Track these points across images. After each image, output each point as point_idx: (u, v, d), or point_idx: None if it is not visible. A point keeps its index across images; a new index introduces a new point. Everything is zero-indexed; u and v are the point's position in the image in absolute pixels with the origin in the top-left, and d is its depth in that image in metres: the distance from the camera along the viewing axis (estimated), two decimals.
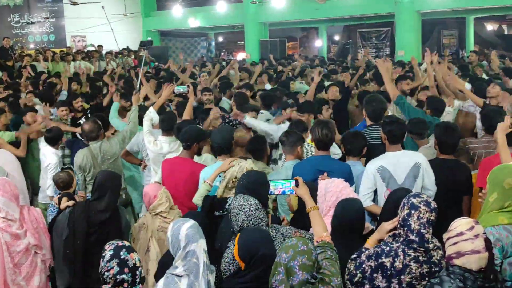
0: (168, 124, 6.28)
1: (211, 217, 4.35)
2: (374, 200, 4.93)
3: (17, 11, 21.85)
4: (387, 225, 3.50)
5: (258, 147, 5.90)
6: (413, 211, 3.30)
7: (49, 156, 6.84)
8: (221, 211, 4.35)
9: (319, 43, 28.61)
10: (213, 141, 5.42)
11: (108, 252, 3.26)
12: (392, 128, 5.01)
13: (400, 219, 3.37)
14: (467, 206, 5.04)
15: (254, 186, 3.98)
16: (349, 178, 4.85)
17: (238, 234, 3.44)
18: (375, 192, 4.95)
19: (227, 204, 4.26)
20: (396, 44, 18.75)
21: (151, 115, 6.55)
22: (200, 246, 3.36)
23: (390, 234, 3.48)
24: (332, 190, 4.12)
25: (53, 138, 6.94)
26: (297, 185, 3.87)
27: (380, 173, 4.90)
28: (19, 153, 6.88)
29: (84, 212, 4.71)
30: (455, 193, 5.01)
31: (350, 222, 3.74)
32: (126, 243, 3.35)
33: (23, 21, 21.87)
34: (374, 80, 10.04)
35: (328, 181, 4.25)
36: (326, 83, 9.95)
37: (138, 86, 10.32)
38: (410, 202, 3.34)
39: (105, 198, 4.71)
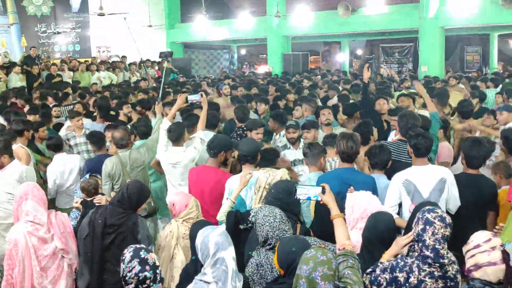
0: (175, 135, 6.24)
1: (237, 231, 4.36)
2: (399, 213, 4.93)
3: (44, 21, 22.18)
4: (403, 240, 3.49)
5: (272, 157, 5.91)
6: (427, 227, 3.28)
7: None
8: (245, 224, 4.35)
9: (342, 57, 28.61)
10: (239, 150, 5.45)
11: (127, 254, 3.35)
12: (418, 142, 5.00)
13: (415, 234, 3.35)
14: (492, 222, 5.02)
15: (282, 195, 4.00)
16: (374, 191, 4.84)
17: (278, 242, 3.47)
18: (400, 205, 4.96)
19: (251, 216, 4.29)
20: (419, 59, 18.69)
21: (164, 125, 6.55)
22: (229, 254, 3.39)
23: (406, 248, 3.47)
24: (360, 203, 4.13)
25: (54, 145, 7.10)
26: (323, 191, 3.89)
27: (405, 187, 4.90)
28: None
29: (103, 213, 4.76)
30: (481, 208, 5.01)
31: (381, 235, 3.74)
32: (144, 246, 3.43)
33: (49, 31, 22.17)
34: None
35: (355, 194, 4.26)
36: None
37: (159, 96, 10.40)
38: (425, 217, 3.31)
39: (126, 204, 4.75)
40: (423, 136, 5.09)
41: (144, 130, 7.37)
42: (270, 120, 7.92)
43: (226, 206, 4.64)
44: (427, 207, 3.42)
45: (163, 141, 6.30)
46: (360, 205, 4.11)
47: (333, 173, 5.29)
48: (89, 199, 5.53)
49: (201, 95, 7.08)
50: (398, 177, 4.99)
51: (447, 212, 4.99)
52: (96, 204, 5.23)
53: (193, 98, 7.28)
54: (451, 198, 4.89)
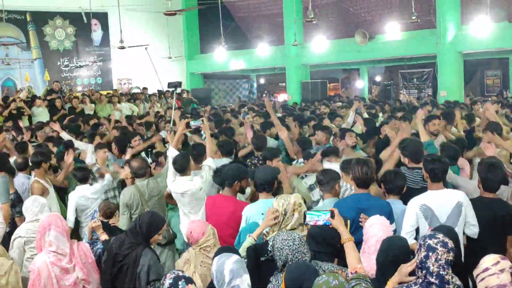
0: (180, 165, 6.19)
1: (259, 264, 4.33)
2: (416, 238, 4.91)
3: (67, 55, 22.62)
4: (406, 267, 3.47)
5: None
6: (430, 253, 3.27)
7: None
8: (266, 255, 4.31)
9: (361, 84, 28.65)
10: (256, 178, 5.48)
11: (168, 280, 3.39)
12: (434, 166, 4.99)
13: (418, 261, 3.34)
14: None
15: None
16: (389, 216, 4.85)
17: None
18: (417, 230, 4.95)
19: (269, 245, 4.30)
20: (438, 85, 18.65)
21: (169, 153, 6.58)
22: (244, 281, 3.43)
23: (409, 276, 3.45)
24: (373, 227, 4.14)
25: (82, 177, 7.20)
26: (332, 216, 3.92)
27: (422, 212, 4.89)
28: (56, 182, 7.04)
29: (115, 242, 4.84)
30: (499, 232, 4.97)
31: (395, 259, 3.72)
32: (187, 274, 3.45)
33: (72, 65, 22.60)
34: None
35: (370, 220, 4.27)
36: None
37: (171, 125, 10.51)
38: (427, 244, 3.31)
39: (137, 235, 4.79)
40: (439, 161, 5.09)
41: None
42: (294, 145, 8.02)
43: (247, 242, 4.57)
44: (428, 233, 3.43)
45: (171, 171, 6.29)
46: (373, 230, 4.12)
47: (349, 199, 5.29)
48: (105, 220, 5.62)
49: (202, 121, 7.14)
50: (414, 202, 4.98)
51: (467, 237, 5.00)
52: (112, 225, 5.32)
53: (194, 124, 7.33)
54: (469, 222, 4.87)
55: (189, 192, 6.09)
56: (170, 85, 12.94)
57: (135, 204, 6.26)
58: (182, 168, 6.16)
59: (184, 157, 6.30)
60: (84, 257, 4.86)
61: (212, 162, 6.31)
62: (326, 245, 4.05)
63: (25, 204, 5.97)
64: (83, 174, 7.22)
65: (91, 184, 7.20)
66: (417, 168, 5.82)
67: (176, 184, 6.21)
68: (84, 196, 7.02)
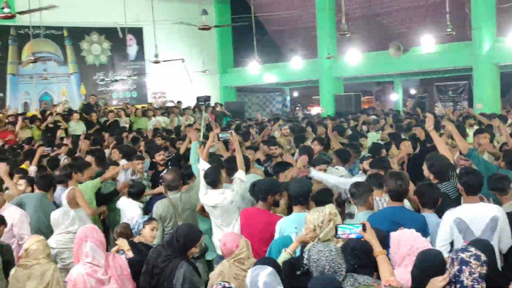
0: (211, 178, 6.19)
1: (295, 278, 4.33)
2: (451, 251, 4.84)
3: (103, 69, 23.00)
4: (438, 282, 3.42)
5: (325, 199, 5.82)
6: (464, 267, 3.23)
7: (133, 209, 7.09)
8: (302, 268, 4.26)
9: (395, 97, 28.44)
10: (290, 191, 5.48)
11: None
12: (469, 179, 4.94)
13: (451, 275, 3.29)
14: None
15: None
16: (424, 229, 4.80)
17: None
18: (452, 243, 4.88)
19: (305, 259, 4.28)
20: (474, 97, 18.43)
21: (201, 165, 6.58)
22: None
23: None
24: (405, 240, 4.10)
25: (137, 193, 7.27)
26: (364, 229, 3.90)
27: (456, 225, 4.83)
28: (88, 212, 7.03)
29: (154, 254, 4.90)
30: None
31: (430, 273, 3.66)
32: (233, 285, 3.48)
33: (107, 79, 22.95)
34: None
35: (400, 232, 4.24)
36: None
37: (201, 139, 10.59)
38: (460, 257, 3.27)
39: (174, 247, 4.83)
40: (474, 174, 5.03)
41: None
42: (334, 157, 7.99)
43: (282, 257, 4.54)
44: (460, 247, 3.38)
45: (203, 184, 6.30)
46: (406, 242, 4.07)
47: (383, 212, 5.26)
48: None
49: (231, 133, 7.16)
50: (449, 215, 4.92)
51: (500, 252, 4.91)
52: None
53: (224, 136, 7.38)
54: (503, 237, 4.79)
55: (220, 205, 6.10)
56: (199, 99, 12.99)
57: (169, 216, 6.30)
58: (213, 181, 6.17)
59: (215, 171, 6.30)
60: (119, 269, 4.92)
61: (243, 175, 6.32)
62: (366, 258, 4.02)
63: (52, 216, 6.05)
64: (136, 189, 7.31)
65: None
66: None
67: (208, 197, 6.23)
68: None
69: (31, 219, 6.64)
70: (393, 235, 4.21)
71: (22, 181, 7.69)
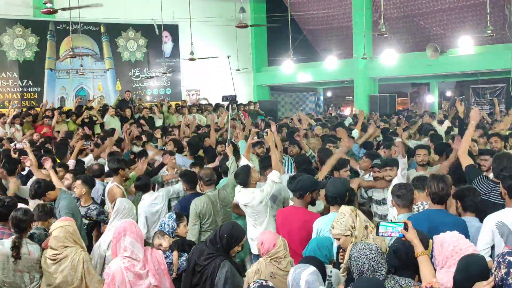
0: (240, 178, 6.37)
1: None
2: (491, 256, 4.76)
3: (138, 66, 23.17)
4: (484, 286, 3.34)
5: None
6: (511, 270, 3.16)
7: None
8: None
9: (430, 98, 28.11)
10: (327, 191, 5.45)
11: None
12: None
13: (498, 279, 3.21)
14: None
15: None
16: (465, 234, 4.72)
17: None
18: (493, 247, 4.79)
19: (329, 271, 4.26)
20: None
21: (243, 162, 6.72)
22: None
23: None
24: (449, 241, 4.04)
25: (144, 185, 7.40)
26: (406, 228, 3.85)
27: (498, 229, 4.75)
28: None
29: (196, 252, 4.91)
30: None
31: (473, 278, 3.60)
32: (270, 284, 3.48)
33: (142, 76, 23.11)
34: None
35: (443, 234, 4.17)
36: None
37: (228, 137, 10.59)
38: (507, 260, 3.19)
39: (217, 245, 4.83)
40: None
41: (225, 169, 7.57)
42: (363, 159, 7.93)
43: None
44: (507, 250, 3.30)
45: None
46: (449, 243, 4.00)
47: (423, 214, 5.19)
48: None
49: (267, 132, 7.16)
50: (491, 219, 4.85)
51: None
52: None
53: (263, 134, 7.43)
54: None
55: (250, 204, 6.20)
56: (224, 98, 12.89)
57: (208, 213, 6.32)
58: (243, 180, 6.34)
59: (244, 170, 6.44)
60: (157, 264, 4.95)
61: (276, 176, 6.32)
62: (407, 260, 3.96)
63: (118, 204, 5.97)
64: (141, 182, 7.39)
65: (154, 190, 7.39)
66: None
67: (240, 195, 6.36)
68: (149, 203, 7.19)
69: None
70: (436, 237, 4.14)
71: (68, 175, 7.79)
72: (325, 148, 8.55)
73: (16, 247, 4.95)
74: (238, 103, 20.61)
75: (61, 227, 5.13)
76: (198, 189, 7.01)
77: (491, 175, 6.06)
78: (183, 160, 9.23)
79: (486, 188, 5.75)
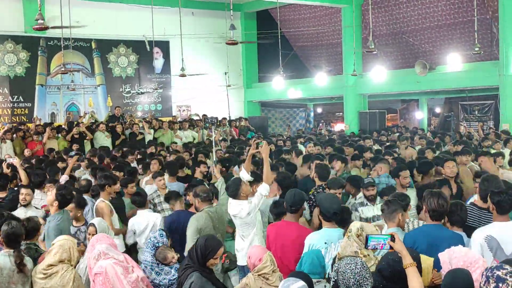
0: (231, 191, 6.45)
1: None
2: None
3: (129, 82, 23.22)
4: None
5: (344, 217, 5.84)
6: (500, 284, 3.23)
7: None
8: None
9: (420, 115, 28.27)
10: (321, 207, 5.47)
11: None
12: (502, 199, 4.94)
13: None
14: None
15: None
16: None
17: None
18: None
19: (333, 270, 4.28)
20: (500, 117, 18.26)
21: (243, 175, 6.70)
22: None
23: None
24: (458, 256, 4.08)
25: (141, 202, 7.50)
26: (392, 240, 3.90)
27: (487, 243, 4.83)
28: (114, 231, 7.03)
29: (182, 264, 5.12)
30: None
31: None
32: None
33: (133, 92, 23.16)
34: None
35: (450, 250, 4.21)
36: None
37: (214, 159, 10.53)
38: (495, 275, 3.27)
39: (194, 258, 4.89)
40: (507, 194, 5.01)
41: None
42: (346, 184, 7.81)
43: None
44: (495, 265, 3.37)
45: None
46: (459, 259, 4.04)
47: (421, 229, 5.26)
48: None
49: (262, 143, 7.15)
50: (479, 233, 4.93)
51: None
52: None
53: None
54: None
55: (238, 216, 6.27)
56: (206, 120, 12.75)
57: (208, 229, 6.35)
58: (233, 193, 6.40)
59: (235, 182, 6.52)
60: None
61: (265, 190, 6.37)
62: (395, 279, 3.99)
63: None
64: (141, 197, 7.48)
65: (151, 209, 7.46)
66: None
67: (230, 206, 6.45)
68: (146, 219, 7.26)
69: None
70: (442, 254, 4.18)
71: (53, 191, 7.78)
72: (323, 164, 8.52)
73: (21, 263, 5.01)
74: (229, 119, 20.72)
75: (61, 245, 5.18)
76: (178, 206, 7.29)
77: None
78: (178, 185, 9.07)
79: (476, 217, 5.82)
